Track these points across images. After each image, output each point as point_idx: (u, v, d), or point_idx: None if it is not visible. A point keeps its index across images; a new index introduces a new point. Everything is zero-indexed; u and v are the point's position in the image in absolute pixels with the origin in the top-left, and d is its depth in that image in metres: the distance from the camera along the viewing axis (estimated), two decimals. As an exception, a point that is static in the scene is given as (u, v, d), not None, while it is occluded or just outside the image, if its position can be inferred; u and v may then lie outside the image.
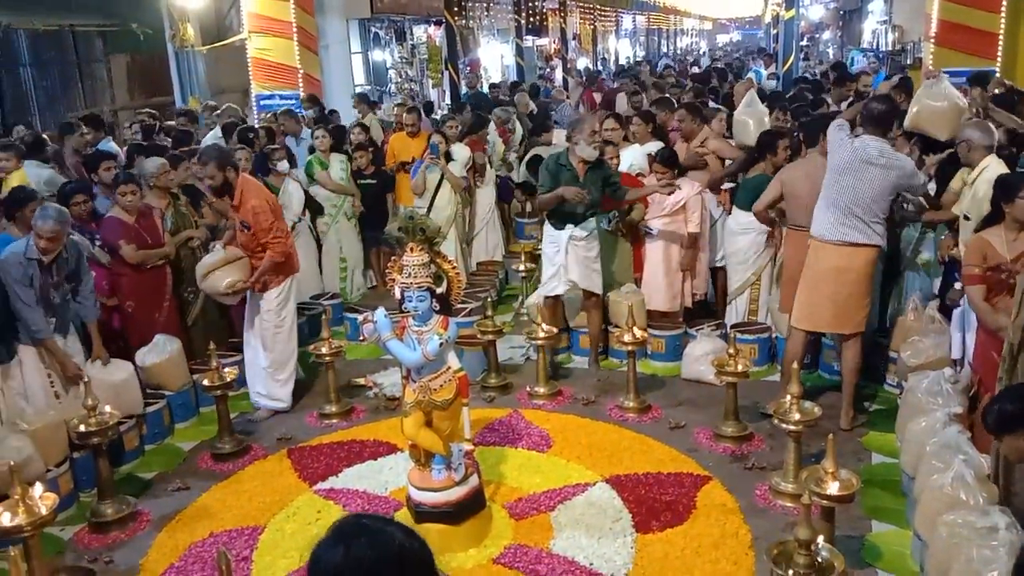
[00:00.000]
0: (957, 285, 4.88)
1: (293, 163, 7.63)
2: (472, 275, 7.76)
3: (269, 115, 9.54)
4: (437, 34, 18.24)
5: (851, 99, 8.35)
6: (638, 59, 30.66)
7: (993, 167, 4.73)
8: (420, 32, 18.69)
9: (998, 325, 3.95)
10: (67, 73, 12.04)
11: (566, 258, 5.69)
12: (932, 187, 5.59)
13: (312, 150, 8.29)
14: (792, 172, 5.43)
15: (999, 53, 9.91)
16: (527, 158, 9.21)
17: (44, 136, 7.86)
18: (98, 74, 12.60)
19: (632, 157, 6.54)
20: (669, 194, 5.85)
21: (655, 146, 6.51)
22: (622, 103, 12.76)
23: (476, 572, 3.85)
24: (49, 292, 4.79)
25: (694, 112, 6.86)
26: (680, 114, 6.91)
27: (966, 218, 4.82)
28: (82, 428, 4.33)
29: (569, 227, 5.67)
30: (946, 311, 5.04)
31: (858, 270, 4.79)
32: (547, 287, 5.91)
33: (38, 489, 3.59)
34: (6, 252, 4.74)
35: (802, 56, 20.38)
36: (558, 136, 9.53)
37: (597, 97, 14.15)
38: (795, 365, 4.35)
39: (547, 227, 5.89)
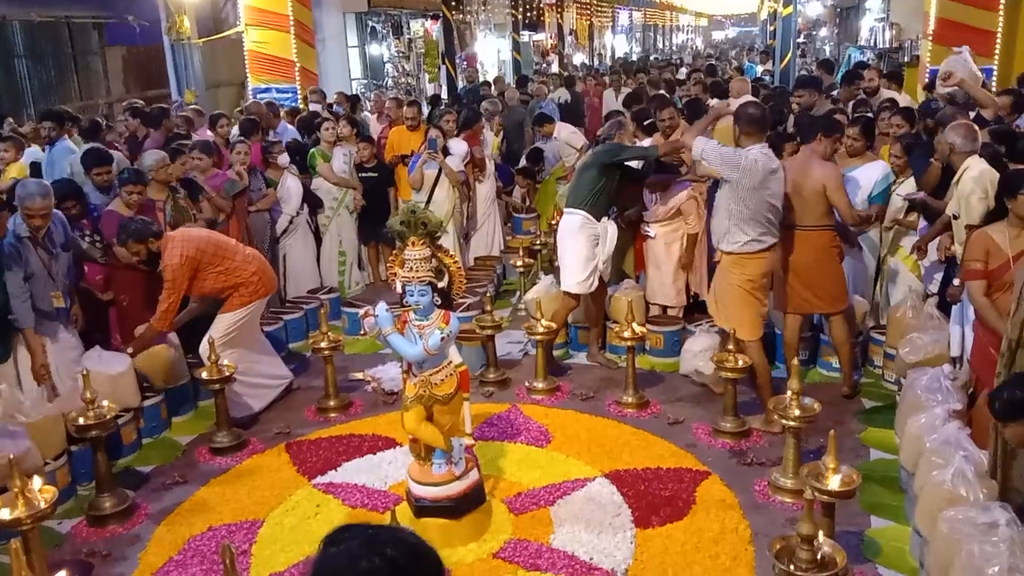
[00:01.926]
0: (956, 281, 4.91)
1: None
2: (470, 270, 7.75)
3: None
4: (434, 28, 18.24)
5: (860, 98, 8.12)
6: (631, 55, 30.64)
7: (975, 165, 4.75)
8: (417, 26, 18.68)
9: (996, 322, 3.96)
10: (62, 65, 11.98)
11: (606, 247, 5.71)
12: (912, 185, 5.62)
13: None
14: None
15: (997, 51, 9.94)
16: (528, 151, 9.28)
17: (99, 120, 7.95)
18: (94, 66, 12.55)
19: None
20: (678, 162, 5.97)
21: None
22: (610, 100, 12.78)
23: (476, 566, 3.85)
24: (51, 267, 4.77)
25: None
26: (670, 112, 6.81)
27: (955, 217, 4.84)
28: (80, 421, 4.32)
29: (604, 217, 5.73)
30: (945, 308, 5.06)
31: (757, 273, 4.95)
32: (584, 284, 5.72)
33: (37, 482, 3.58)
34: None
35: (799, 53, 20.38)
36: (559, 129, 9.55)
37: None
38: (794, 361, 4.35)
39: (583, 222, 5.65)
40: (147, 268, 5.25)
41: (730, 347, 4.91)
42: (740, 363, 4.88)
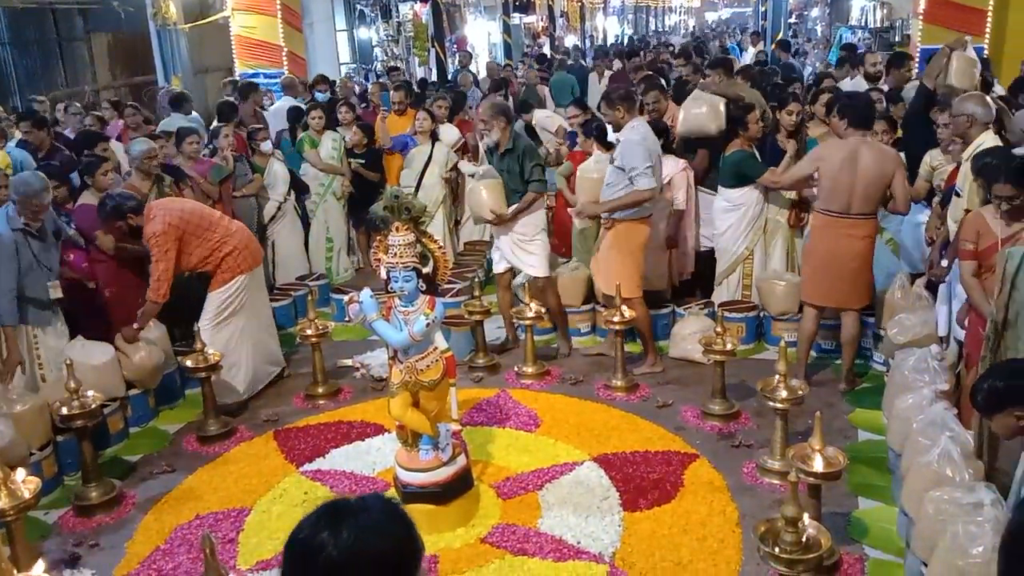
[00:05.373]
0: (943, 262, 4.90)
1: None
2: (459, 255, 7.72)
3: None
4: (423, 11, 18.07)
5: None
6: (623, 37, 30.47)
7: (989, 143, 4.71)
8: (406, 9, 18.53)
9: (983, 303, 3.94)
10: (48, 51, 11.86)
11: (499, 240, 5.77)
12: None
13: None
14: (831, 152, 5.05)
15: (988, 29, 9.89)
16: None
17: (186, 92, 8.26)
18: (79, 52, 12.42)
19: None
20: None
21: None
22: (593, 84, 12.72)
23: (464, 551, 3.85)
24: (45, 258, 4.72)
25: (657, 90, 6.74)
26: (653, 95, 6.73)
27: (957, 194, 4.80)
28: (65, 411, 4.29)
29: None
30: (933, 288, 5.04)
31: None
32: (496, 266, 6.01)
33: (21, 473, 3.56)
34: None
35: (790, 34, 20.26)
36: (537, 116, 9.45)
37: None
38: (781, 343, 4.33)
39: None
40: (132, 243, 5.22)
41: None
42: (728, 345, 4.87)
